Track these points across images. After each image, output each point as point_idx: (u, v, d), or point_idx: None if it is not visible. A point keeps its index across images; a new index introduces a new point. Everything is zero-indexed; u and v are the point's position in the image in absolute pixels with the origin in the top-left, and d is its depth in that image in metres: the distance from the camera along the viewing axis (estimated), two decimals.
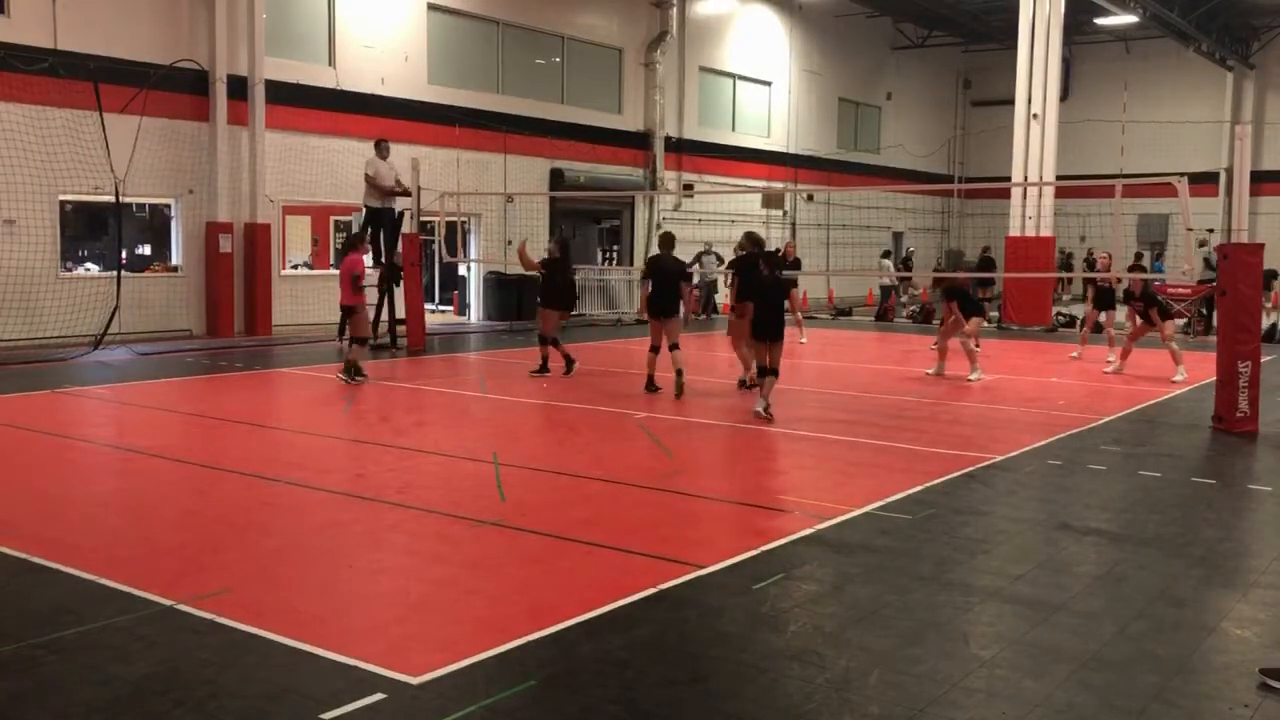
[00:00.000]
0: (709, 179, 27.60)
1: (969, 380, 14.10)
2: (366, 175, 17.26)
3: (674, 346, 12.45)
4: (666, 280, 12.67)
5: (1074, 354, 17.47)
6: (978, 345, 14.71)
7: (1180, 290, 22.04)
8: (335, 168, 19.56)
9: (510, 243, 23.01)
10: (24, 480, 7.96)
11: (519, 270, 22.52)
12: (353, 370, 13.00)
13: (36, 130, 15.86)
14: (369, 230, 18.35)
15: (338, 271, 16.69)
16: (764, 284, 11.08)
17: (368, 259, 19.60)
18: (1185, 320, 21.87)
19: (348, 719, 4.08)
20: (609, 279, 25.68)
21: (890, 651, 4.82)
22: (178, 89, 17.68)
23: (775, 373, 10.82)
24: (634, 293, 26.30)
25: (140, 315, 17.30)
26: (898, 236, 34.46)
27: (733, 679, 4.55)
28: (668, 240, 13.06)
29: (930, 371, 14.90)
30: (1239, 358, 10.47)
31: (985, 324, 17.33)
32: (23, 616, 5.14)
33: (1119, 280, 15.92)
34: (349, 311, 13.45)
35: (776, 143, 30.46)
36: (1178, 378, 14.08)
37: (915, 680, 4.52)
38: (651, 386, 12.49)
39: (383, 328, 17.59)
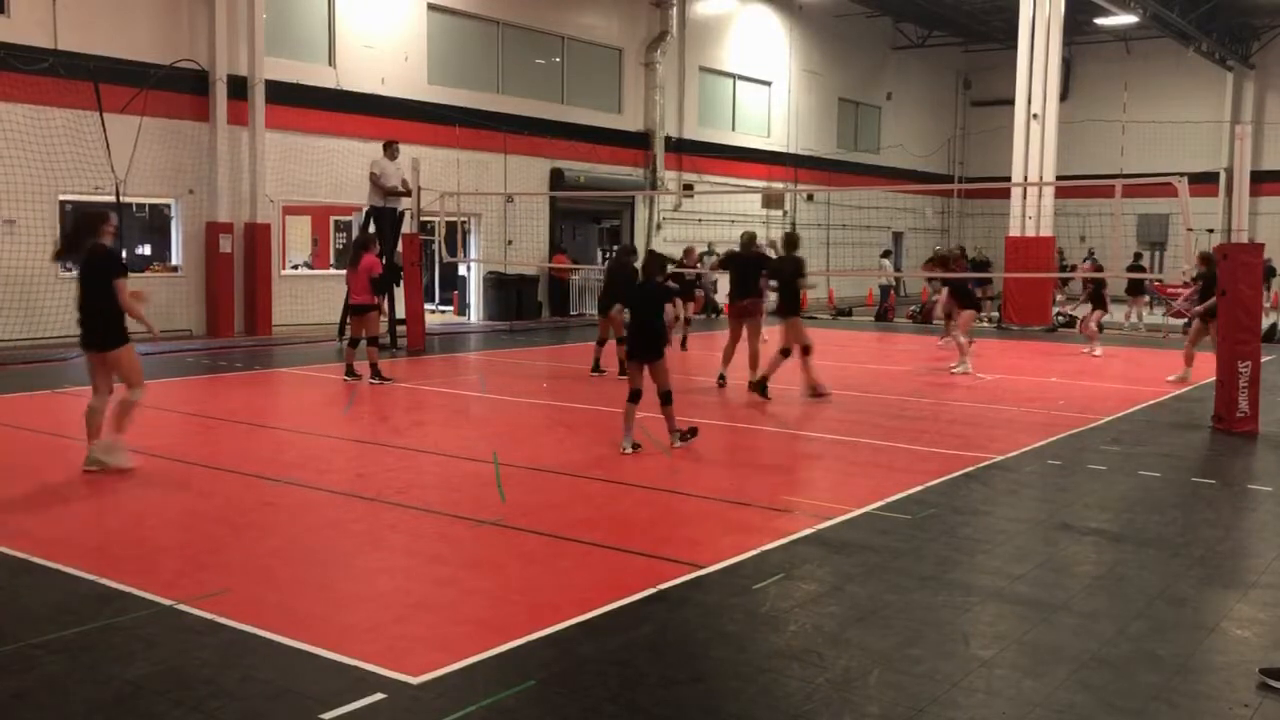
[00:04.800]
0: (709, 179, 27.60)
1: (952, 371, 14.24)
2: (371, 174, 17.28)
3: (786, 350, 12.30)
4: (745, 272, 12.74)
5: (1086, 351, 17.72)
6: (970, 341, 15.10)
7: (1179, 290, 22.06)
8: (335, 168, 19.56)
9: (510, 243, 23.04)
10: (24, 480, 7.95)
11: (519, 270, 22.70)
12: (377, 371, 13.12)
13: (36, 130, 15.87)
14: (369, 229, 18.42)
15: (342, 272, 16.75)
16: (634, 292, 9.59)
17: None
18: (1186, 320, 21.88)
19: (348, 719, 4.08)
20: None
21: (890, 651, 4.82)
22: (178, 89, 17.69)
23: (668, 398, 9.20)
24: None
25: None
26: (898, 236, 34.47)
27: (733, 679, 4.55)
28: (750, 239, 13.19)
29: (956, 369, 14.84)
30: (1239, 358, 10.47)
31: (977, 320, 17.91)
32: (23, 616, 5.14)
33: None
34: (362, 311, 13.28)
35: (776, 143, 30.46)
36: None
37: (915, 680, 4.52)
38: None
39: (383, 328, 17.59)
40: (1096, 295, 17.74)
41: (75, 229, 8.39)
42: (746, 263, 13.13)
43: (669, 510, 7.34)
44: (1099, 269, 20.54)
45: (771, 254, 13.69)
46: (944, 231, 37.50)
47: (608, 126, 25.14)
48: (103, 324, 8.02)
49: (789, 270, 12.33)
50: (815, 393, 12.12)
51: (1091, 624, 5.22)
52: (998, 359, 17.24)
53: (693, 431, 9.34)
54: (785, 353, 12.14)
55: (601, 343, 14.09)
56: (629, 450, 8.96)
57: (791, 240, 12.70)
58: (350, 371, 13.28)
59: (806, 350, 12.11)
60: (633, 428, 9.11)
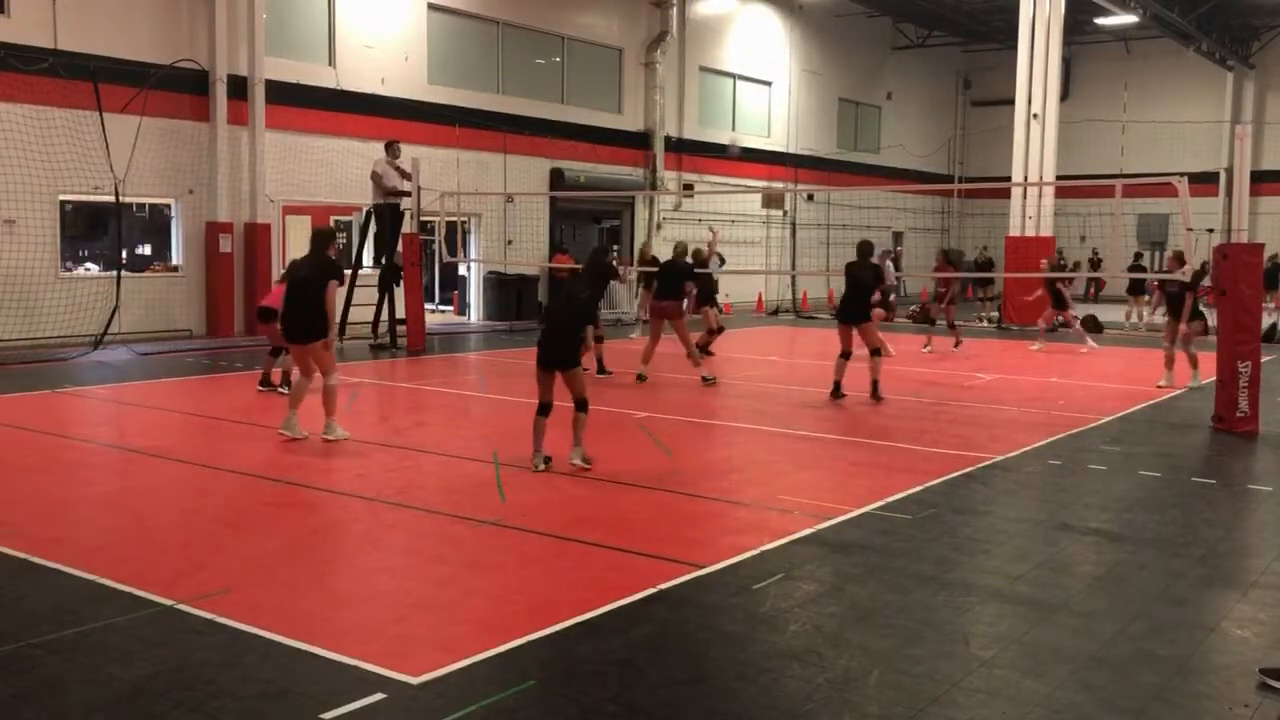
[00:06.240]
0: (709, 179, 27.58)
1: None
2: (373, 174, 17.32)
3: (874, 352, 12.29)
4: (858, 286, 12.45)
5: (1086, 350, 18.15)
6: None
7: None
8: (335, 168, 19.55)
9: (510, 242, 23.04)
10: (24, 480, 7.96)
11: (519, 270, 22.70)
12: (285, 379, 12.16)
13: (36, 130, 15.85)
14: (368, 229, 18.47)
15: (345, 271, 16.52)
16: (562, 302, 8.85)
17: (368, 258, 19.75)
18: None
19: (348, 719, 4.08)
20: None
21: (890, 651, 4.83)
22: (178, 89, 17.67)
23: (584, 407, 8.47)
24: (634, 293, 26.30)
25: (140, 315, 17.30)
26: (898, 236, 34.46)
27: (733, 679, 4.55)
28: (866, 249, 12.84)
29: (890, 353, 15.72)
30: (1239, 358, 10.47)
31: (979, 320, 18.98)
32: (23, 616, 5.14)
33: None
34: (276, 316, 11.64)
35: (776, 143, 30.45)
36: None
37: (915, 680, 4.52)
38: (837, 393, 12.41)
39: (383, 328, 17.61)
40: (1056, 294, 18.64)
41: (313, 242, 9.79)
42: (673, 269, 14.27)
43: (669, 510, 7.34)
44: (1061, 268, 21.16)
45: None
46: (944, 231, 37.51)
47: (608, 126, 25.13)
48: (311, 320, 9.33)
49: (868, 277, 12.43)
50: (876, 394, 12.23)
51: (1091, 624, 5.22)
52: (998, 359, 17.25)
53: (589, 461, 8.41)
54: (876, 353, 12.34)
55: (598, 340, 14.10)
56: (542, 468, 8.29)
57: (866, 248, 12.77)
58: (266, 381, 12.36)
59: (876, 352, 12.36)
60: (543, 442, 8.43)
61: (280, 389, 12.10)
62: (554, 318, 8.71)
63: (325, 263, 9.49)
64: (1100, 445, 9.90)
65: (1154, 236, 31.40)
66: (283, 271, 13.52)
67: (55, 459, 8.79)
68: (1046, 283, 19.03)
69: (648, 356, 13.75)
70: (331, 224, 24.09)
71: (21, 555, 6.01)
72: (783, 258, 28.48)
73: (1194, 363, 13.55)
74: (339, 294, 10.22)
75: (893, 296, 20.58)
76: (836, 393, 12.28)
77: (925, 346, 17.86)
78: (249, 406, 11.61)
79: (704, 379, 13.40)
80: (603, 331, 14.09)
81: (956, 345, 17.98)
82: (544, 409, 8.43)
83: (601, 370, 14.00)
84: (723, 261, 17.88)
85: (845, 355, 12.34)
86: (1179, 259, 13.88)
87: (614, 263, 17.47)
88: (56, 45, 16.22)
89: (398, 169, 17.31)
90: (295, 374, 9.92)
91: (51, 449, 9.22)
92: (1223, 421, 10.59)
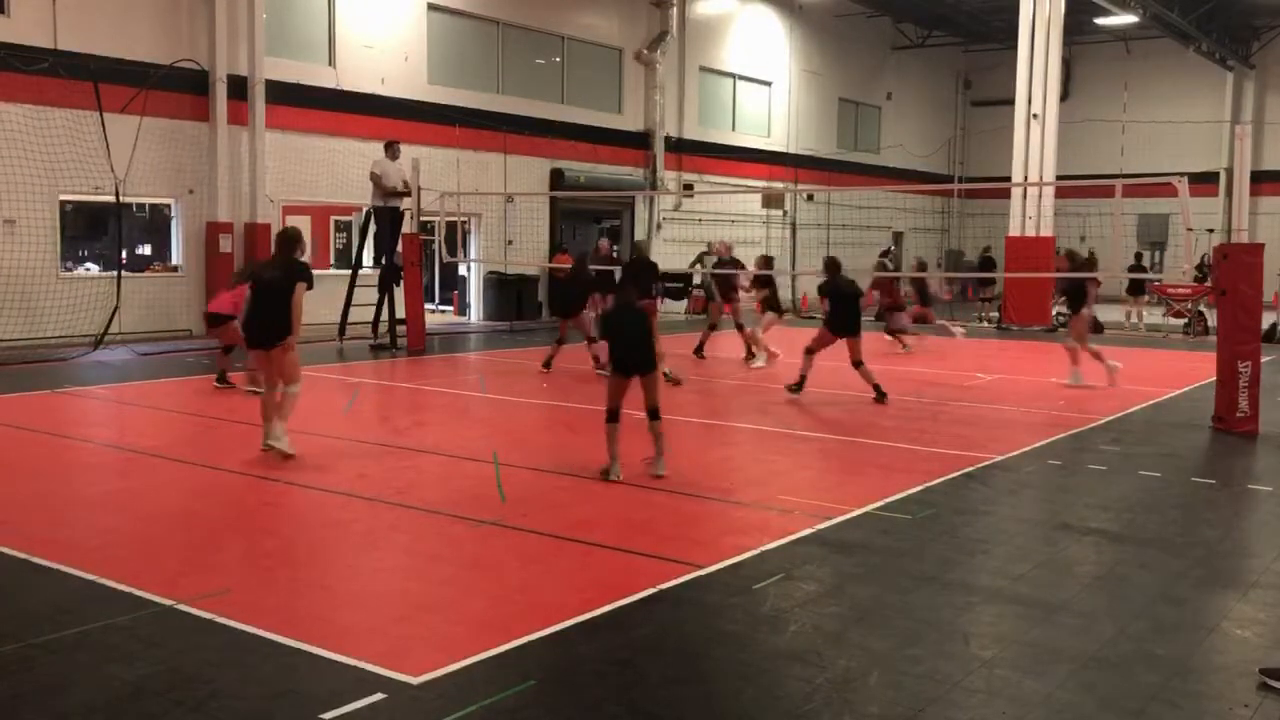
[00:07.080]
0: (709, 179, 27.59)
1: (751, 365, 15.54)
2: (372, 174, 17.33)
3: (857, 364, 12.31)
4: (845, 300, 12.54)
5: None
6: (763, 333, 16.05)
7: (1179, 290, 22.08)
8: (335, 168, 19.55)
9: (510, 242, 23.03)
10: (24, 480, 7.96)
11: (519, 270, 22.70)
12: (224, 376, 12.43)
13: (36, 130, 15.85)
14: (368, 229, 18.45)
15: (344, 272, 16.56)
16: (619, 315, 8.65)
17: (368, 258, 19.78)
18: (1185, 320, 21.91)
19: (348, 719, 4.08)
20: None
21: (890, 651, 4.83)
22: (178, 89, 17.67)
23: (658, 415, 8.35)
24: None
25: (140, 315, 17.30)
26: (898, 236, 34.47)
27: (733, 679, 4.55)
28: (834, 265, 12.90)
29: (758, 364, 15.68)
30: (1239, 358, 10.47)
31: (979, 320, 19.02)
32: (23, 616, 5.14)
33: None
34: (224, 320, 12.13)
35: (776, 143, 30.45)
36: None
37: (915, 680, 4.52)
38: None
39: (383, 328, 17.61)
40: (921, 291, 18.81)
41: (279, 245, 9.26)
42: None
43: (669, 510, 7.34)
44: (922, 266, 21.78)
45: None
46: (944, 231, 37.52)
47: (608, 126, 25.12)
48: (277, 325, 8.86)
49: (848, 291, 12.52)
50: (881, 394, 12.23)
51: (1091, 624, 5.22)
52: (998, 359, 17.25)
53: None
54: (860, 364, 12.33)
55: (560, 342, 14.60)
56: (618, 477, 8.06)
57: (834, 263, 12.85)
58: (223, 379, 12.43)
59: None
60: (618, 452, 8.20)
61: (218, 384, 12.39)
62: (621, 329, 8.46)
63: (294, 265, 9.03)
64: (1100, 445, 9.90)
65: (1154, 236, 31.39)
66: (235, 273, 13.53)
67: (55, 459, 8.79)
68: (911, 281, 19.30)
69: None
70: (332, 223, 24.26)
71: (21, 555, 6.01)
72: (782, 258, 28.46)
73: (1075, 359, 13.73)
74: (309, 297, 9.63)
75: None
76: (798, 388, 12.37)
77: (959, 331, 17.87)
78: (249, 406, 11.57)
79: (665, 374, 13.32)
80: None
81: (905, 348, 17.62)
82: (614, 415, 8.21)
83: (601, 368, 14.00)
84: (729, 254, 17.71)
85: (809, 351, 12.49)
86: (1071, 258, 14.88)
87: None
88: (56, 45, 16.21)
89: (404, 183, 17.29)
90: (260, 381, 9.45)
91: (51, 449, 9.22)
92: (1223, 421, 10.59)
